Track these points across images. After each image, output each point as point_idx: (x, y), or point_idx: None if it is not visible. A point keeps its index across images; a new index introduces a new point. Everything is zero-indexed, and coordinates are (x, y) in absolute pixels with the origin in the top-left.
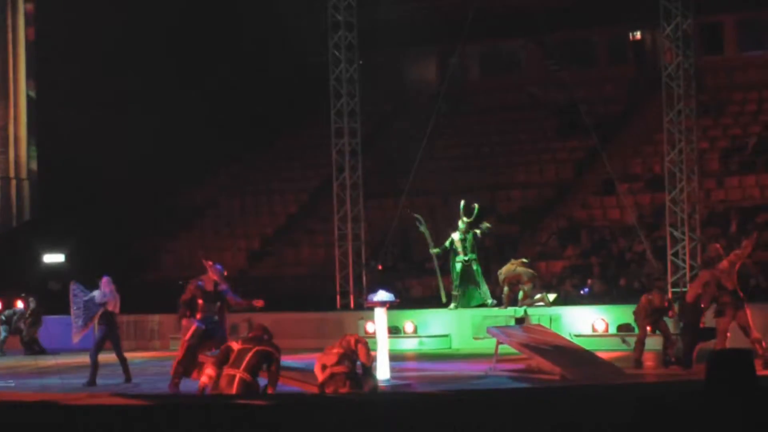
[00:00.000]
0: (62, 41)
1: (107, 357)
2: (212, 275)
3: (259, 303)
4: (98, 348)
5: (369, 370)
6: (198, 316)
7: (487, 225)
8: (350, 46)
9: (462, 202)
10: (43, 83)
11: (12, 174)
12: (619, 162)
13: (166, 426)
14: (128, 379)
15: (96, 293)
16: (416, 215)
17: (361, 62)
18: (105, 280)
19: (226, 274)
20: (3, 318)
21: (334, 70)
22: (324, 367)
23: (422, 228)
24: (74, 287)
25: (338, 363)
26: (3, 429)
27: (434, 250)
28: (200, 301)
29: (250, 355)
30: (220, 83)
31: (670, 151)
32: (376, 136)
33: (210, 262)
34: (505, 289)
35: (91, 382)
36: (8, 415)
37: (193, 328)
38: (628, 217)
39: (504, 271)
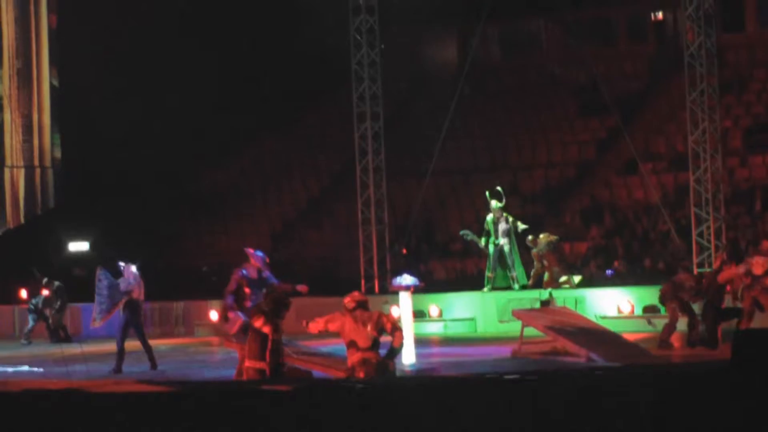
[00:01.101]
0: (84, 28)
1: (133, 344)
2: (255, 262)
3: (303, 288)
4: (124, 335)
5: (396, 353)
6: (247, 304)
7: (524, 227)
8: (371, 30)
9: (487, 192)
10: (65, 71)
11: (36, 162)
12: (641, 142)
13: (192, 412)
14: (154, 366)
15: (120, 281)
16: (462, 233)
17: (382, 46)
18: (128, 268)
19: (268, 260)
20: (32, 307)
21: (355, 54)
22: (354, 346)
23: (470, 237)
24: (100, 273)
25: (372, 348)
26: (29, 416)
27: (482, 243)
28: (247, 290)
29: (248, 341)
30: (241, 67)
31: (694, 130)
32: (398, 118)
33: (251, 250)
34: (536, 264)
35: (118, 370)
36: (34, 403)
37: (240, 322)
38: (652, 196)
39: (538, 246)
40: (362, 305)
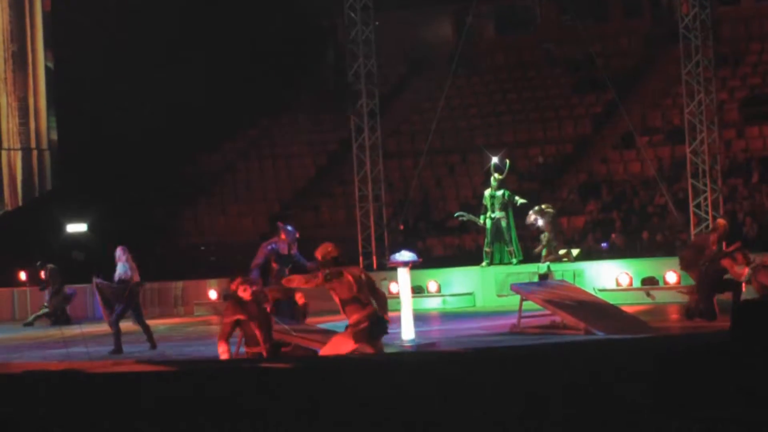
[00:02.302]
0: (78, 11)
1: (130, 325)
2: (285, 237)
3: None
4: (120, 317)
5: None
6: (273, 280)
7: (523, 201)
8: (365, 8)
9: (493, 159)
10: (60, 54)
11: (33, 145)
12: (637, 115)
13: (193, 391)
14: (153, 346)
15: (119, 271)
16: (457, 215)
17: (377, 23)
18: (120, 250)
19: (298, 236)
20: (46, 303)
21: (349, 32)
22: (359, 302)
23: (465, 218)
24: (98, 281)
25: (371, 302)
26: (30, 398)
27: (480, 221)
28: (274, 265)
29: (243, 328)
30: (235, 48)
31: (689, 102)
32: (394, 97)
33: (280, 223)
34: (547, 235)
35: (118, 350)
36: (35, 384)
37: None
38: (649, 170)
39: (545, 217)
40: (342, 261)
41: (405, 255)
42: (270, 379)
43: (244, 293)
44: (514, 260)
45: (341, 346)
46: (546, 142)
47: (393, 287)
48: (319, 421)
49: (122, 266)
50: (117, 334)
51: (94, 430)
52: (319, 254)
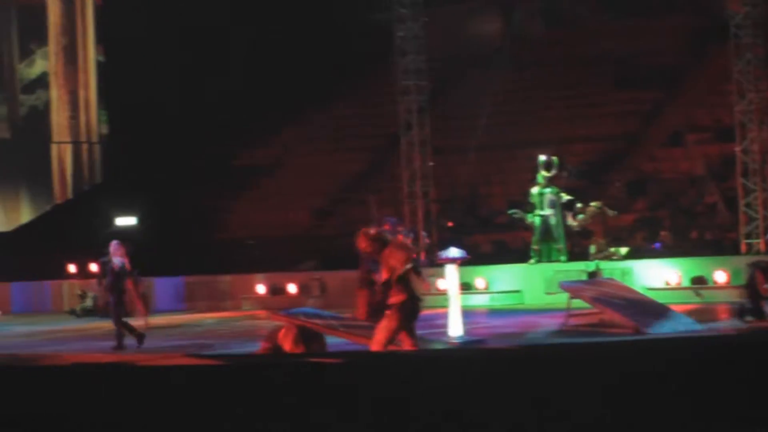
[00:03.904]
0: (129, 5)
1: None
2: (389, 228)
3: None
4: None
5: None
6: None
7: (569, 198)
8: (414, 3)
9: (541, 157)
10: (111, 47)
11: (83, 138)
12: (684, 113)
13: (239, 385)
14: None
15: (117, 264)
16: (510, 212)
17: (426, 19)
18: (116, 244)
19: (401, 228)
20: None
21: (399, 28)
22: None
23: (518, 215)
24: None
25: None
26: (78, 390)
27: (528, 219)
28: None
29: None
30: (285, 42)
31: (740, 101)
32: (441, 93)
33: (383, 216)
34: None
35: (140, 342)
36: (83, 377)
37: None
38: (697, 168)
39: (584, 216)
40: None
41: (454, 252)
42: (314, 374)
43: (288, 346)
44: (563, 258)
45: (388, 329)
46: (593, 140)
47: (441, 284)
48: (362, 416)
49: (118, 260)
50: (128, 328)
51: (143, 423)
52: (363, 244)
